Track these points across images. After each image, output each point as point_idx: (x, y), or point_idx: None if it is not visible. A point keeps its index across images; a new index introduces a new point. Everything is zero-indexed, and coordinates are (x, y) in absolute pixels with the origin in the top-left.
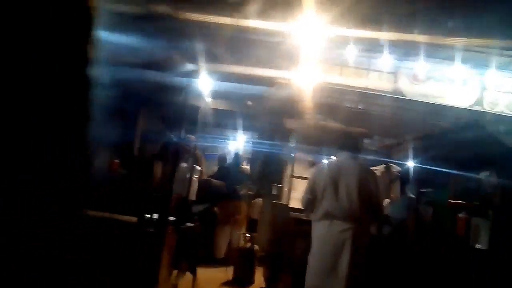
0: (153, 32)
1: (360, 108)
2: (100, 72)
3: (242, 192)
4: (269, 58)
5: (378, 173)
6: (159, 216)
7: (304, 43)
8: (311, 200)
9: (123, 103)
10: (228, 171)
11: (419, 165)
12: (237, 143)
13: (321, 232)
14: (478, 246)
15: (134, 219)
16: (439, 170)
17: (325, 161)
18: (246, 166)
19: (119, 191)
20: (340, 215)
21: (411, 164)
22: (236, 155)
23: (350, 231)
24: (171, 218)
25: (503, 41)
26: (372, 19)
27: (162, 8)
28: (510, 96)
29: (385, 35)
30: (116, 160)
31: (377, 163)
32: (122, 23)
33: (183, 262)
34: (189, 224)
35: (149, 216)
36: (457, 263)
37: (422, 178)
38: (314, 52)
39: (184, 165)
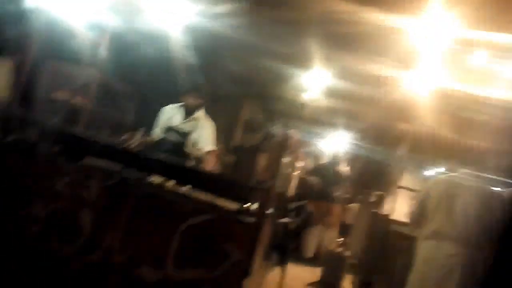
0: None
1: (483, 119)
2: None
3: (338, 194)
4: (386, 56)
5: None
6: (259, 207)
7: (426, 43)
8: (420, 215)
9: (230, 91)
10: (326, 171)
11: None
12: (340, 143)
13: (427, 252)
14: None
15: (234, 206)
16: None
17: (440, 174)
18: (346, 168)
19: (223, 177)
20: (452, 237)
21: None
22: (337, 155)
23: (462, 257)
24: (270, 210)
25: None
26: (504, 21)
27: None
28: None
29: None
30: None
31: (504, 184)
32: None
33: (274, 256)
34: (285, 219)
35: (248, 205)
36: None
37: None
38: (436, 53)
39: (286, 159)
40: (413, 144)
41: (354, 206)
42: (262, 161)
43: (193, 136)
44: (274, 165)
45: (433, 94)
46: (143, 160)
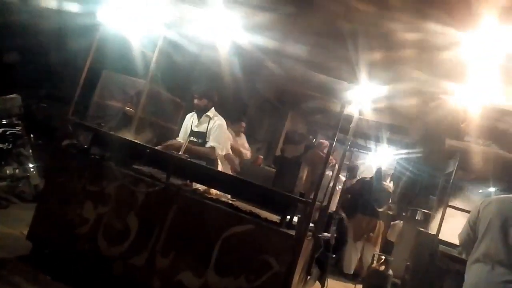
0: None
1: None
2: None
3: (381, 210)
4: (437, 70)
5: None
6: (300, 220)
7: (479, 58)
8: (470, 236)
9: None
10: (369, 186)
11: None
12: (386, 158)
13: (478, 277)
14: None
15: (276, 217)
16: None
17: (493, 194)
18: (389, 184)
19: (265, 188)
20: (506, 262)
21: None
22: (380, 170)
23: None
24: (311, 224)
25: None
26: None
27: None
28: None
29: None
30: (261, 156)
31: None
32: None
33: (315, 270)
34: (325, 234)
35: (290, 218)
36: None
37: None
38: (490, 69)
39: (328, 172)
40: (464, 162)
41: (399, 223)
42: (304, 173)
43: (208, 135)
44: (316, 178)
45: (486, 110)
46: (187, 168)
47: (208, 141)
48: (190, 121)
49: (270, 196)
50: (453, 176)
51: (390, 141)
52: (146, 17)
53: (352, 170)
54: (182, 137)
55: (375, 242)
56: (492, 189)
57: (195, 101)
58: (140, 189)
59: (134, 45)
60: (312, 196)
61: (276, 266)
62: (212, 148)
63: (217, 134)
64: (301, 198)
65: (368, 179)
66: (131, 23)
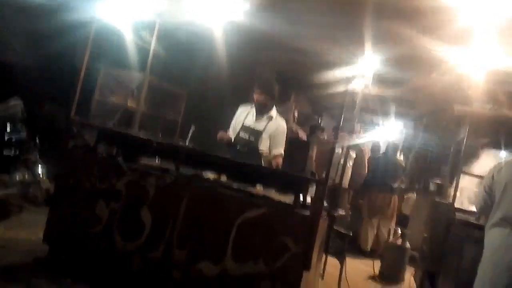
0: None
1: None
2: None
3: (395, 185)
4: (438, 37)
5: None
6: (314, 200)
7: (479, 20)
8: (486, 202)
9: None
10: (382, 162)
11: None
12: (395, 132)
13: (497, 240)
14: None
15: (289, 199)
16: None
17: (505, 158)
18: (400, 158)
19: (277, 170)
20: None
21: None
22: (391, 144)
23: None
24: (324, 203)
25: None
26: None
27: None
28: None
29: None
30: None
31: None
32: None
33: (332, 249)
34: (340, 212)
35: (303, 198)
36: None
37: None
38: (491, 30)
39: (339, 150)
40: (473, 128)
41: (412, 196)
42: (314, 153)
43: (264, 136)
44: (327, 157)
45: (490, 74)
46: (197, 157)
47: (267, 144)
48: (245, 114)
49: (281, 179)
50: (464, 143)
51: (398, 115)
52: (139, 7)
53: (375, 149)
54: (232, 131)
55: (390, 217)
56: (504, 153)
57: (255, 95)
58: (151, 183)
59: (130, 38)
60: (324, 175)
61: (293, 247)
62: (279, 156)
63: (281, 139)
64: (312, 178)
65: (380, 154)
66: (125, 15)
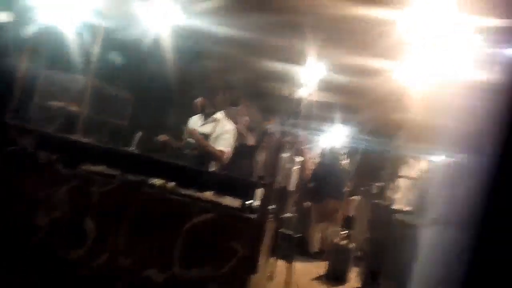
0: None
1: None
2: None
3: (343, 190)
4: (376, 48)
5: None
6: (261, 203)
7: (414, 31)
8: (421, 202)
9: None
10: (327, 168)
11: None
12: (338, 137)
13: (431, 238)
14: None
15: (237, 203)
16: None
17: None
18: (346, 162)
19: (224, 175)
20: (454, 222)
21: None
22: (336, 149)
23: (465, 241)
24: (272, 206)
25: None
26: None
27: None
28: None
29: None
30: None
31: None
32: None
33: (280, 252)
34: (287, 214)
35: (250, 202)
36: None
37: None
38: (426, 41)
39: (285, 154)
40: (410, 133)
41: (356, 198)
42: (261, 158)
43: (213, 138)
44: (273, 162)
45: (426, 84)
46: (143, 163)
47: (215, 144)
48: (195, 121)
49: (229, 183)
50: (402, 148)
51: (343, 120)
52: (83, 8)
53: (311, 152)
54: (185, 139)
55: (337, 219)
56: (438, 157)
57: (200, 100)
58: (94, 189)
59: (73, 40)
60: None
61: (241, 250)
62: (222, 152)
63: (227, 139)
64: (258, 181)
65: (325, 159)
66: (68, 17)
